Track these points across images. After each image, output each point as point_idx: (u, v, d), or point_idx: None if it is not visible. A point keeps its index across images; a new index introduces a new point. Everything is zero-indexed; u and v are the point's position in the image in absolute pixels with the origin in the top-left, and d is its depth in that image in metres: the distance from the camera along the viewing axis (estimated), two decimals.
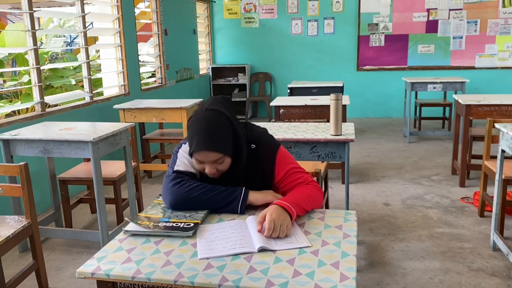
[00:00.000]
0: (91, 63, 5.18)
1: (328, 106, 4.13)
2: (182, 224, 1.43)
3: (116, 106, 4.35)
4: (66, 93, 5.05)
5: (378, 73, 7.55)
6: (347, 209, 2.75)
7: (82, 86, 6.00)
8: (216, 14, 7.96)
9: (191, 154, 1.56)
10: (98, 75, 5.25)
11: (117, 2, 4.94)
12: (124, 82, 5.14)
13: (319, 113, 4.17)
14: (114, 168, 3.44)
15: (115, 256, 1.29)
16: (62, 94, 4.63)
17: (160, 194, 1.67)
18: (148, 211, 1.55)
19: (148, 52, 6.04)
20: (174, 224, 1.43)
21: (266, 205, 1.58)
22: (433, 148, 5.57)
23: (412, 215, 3.51)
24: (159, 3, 5.89)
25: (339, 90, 5.66)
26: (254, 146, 1.64)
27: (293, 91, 5.64)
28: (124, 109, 4.34)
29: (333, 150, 2.56)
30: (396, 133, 6.45)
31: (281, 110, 4.18)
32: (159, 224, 1.43)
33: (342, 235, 1.37)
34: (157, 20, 5.92)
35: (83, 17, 4.37)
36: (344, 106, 4.13)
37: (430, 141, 5.94)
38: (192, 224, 1.43)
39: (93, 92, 4.58)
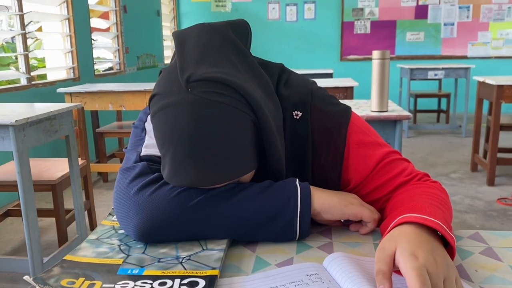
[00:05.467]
0: (30, 42, 4.16)
1: (331, 88, 3.36)
2: (177, 283, 0.57)
3: (60, 90, 3.37)
4: None
5: (363, 63, 6.86)
6: None
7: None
8: None
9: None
10: (38, 54, 4.22)
11: None
12: (73, 64, 4.16)
13: None
14: (57, 168, 2.50)
15: None
16: None
17: (112, 209, 0.79)
18: (87, 248, 0.68)
19: (104, 31, 5.06)
20: (155, 284, 0.56)
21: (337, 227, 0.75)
22: (437, 143, 4.90)
23: None
24: None
25: (329, 77, 4.99)
26: (299, 114, 0.79)
27: None
28: (71, 94, 3.37)
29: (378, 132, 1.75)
30: None
31: None
32: (116, 287, 0.56)
33: None
34: None
35: None
36: (351, 88, 3.36)
37: (430, 136, 5.27)
38: (202, 282, 0.56)
39: (32, 74, 3.59)
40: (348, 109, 0.83)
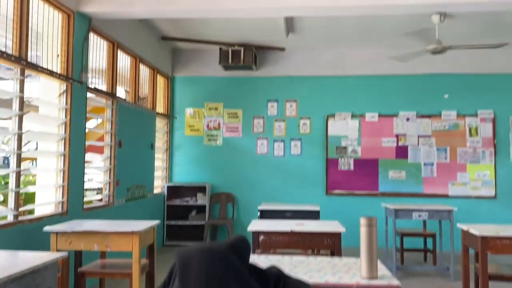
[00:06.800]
0: (22, 175, 4.23)
1: (318, 234, 3.39)
2: None
3: (47, 229, 3.34)
4: None
5: (348, 198, 7.02)
6: None
7: None
8: (177, 130, 7.41)
9: None
10: (31, 189, 4.27)
11: (66, 104, 4.22)
12: (62, 198, 4.18)
13: (308, 242, 3.39)
14: None
15: None
16: None
17: None
18: None
19: (96, 165, 5.19)
20: None
21: None
22: (427, 287, 4.80)
23: None
24: (115, 112, 5.24)
25: (316, 214, 5.09)
26: None
27: (264, 214, 4.99)
28: (57, 233, 3.33)
29: None
30: None
31: (261, 237, 3.36)
32: None
33: None
34: (111, 130, 5.20)
35: (20, 117, 3.57)
36: (339, 235, 3.39)
37: (418, 278, 5.18)
38: None
39: (20, 209, 3.58)
40: None
